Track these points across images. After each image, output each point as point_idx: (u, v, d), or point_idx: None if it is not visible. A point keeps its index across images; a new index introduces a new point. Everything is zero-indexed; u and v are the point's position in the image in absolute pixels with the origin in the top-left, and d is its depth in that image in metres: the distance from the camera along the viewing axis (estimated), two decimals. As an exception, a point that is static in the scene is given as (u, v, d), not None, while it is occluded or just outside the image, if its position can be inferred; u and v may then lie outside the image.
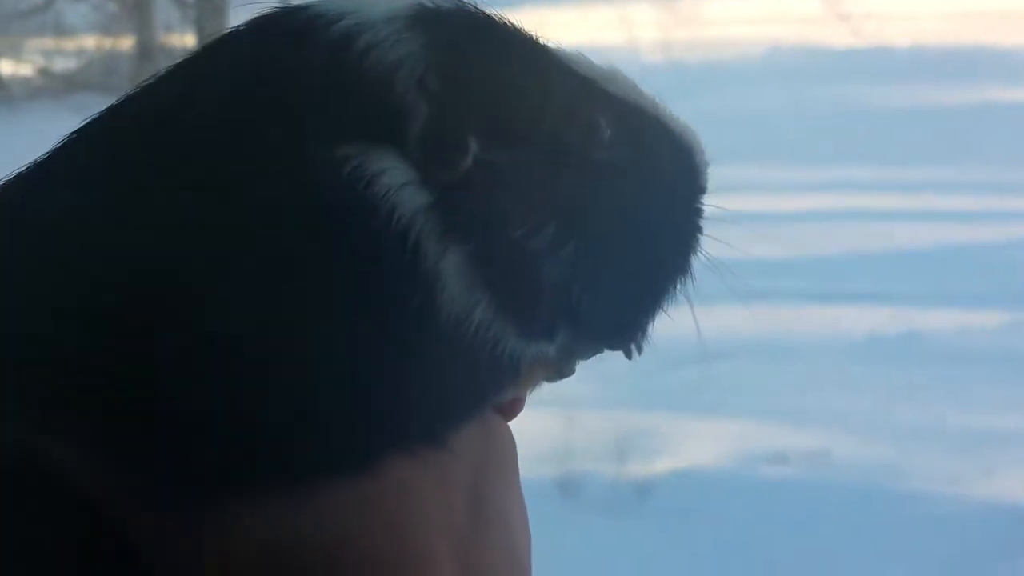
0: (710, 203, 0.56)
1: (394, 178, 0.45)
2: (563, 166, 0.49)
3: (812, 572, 2.86)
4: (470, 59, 0.48)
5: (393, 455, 0.44)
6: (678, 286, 0.55)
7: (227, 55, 0.49)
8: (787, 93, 7.73)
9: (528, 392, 0.54)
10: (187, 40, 7.93)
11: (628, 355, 0.57)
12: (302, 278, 0.43)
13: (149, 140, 0.46)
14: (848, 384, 4.33)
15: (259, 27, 0.50)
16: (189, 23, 7.90)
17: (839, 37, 8.41)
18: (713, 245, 0.56)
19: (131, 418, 0.42)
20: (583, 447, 3.45)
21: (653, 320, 0.55)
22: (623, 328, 0.54)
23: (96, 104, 0.50)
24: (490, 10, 0.51)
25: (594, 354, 0.56)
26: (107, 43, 8.36)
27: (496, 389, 0.49)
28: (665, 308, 0.55)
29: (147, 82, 0.49)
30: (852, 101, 7.51)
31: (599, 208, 0.50)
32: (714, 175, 0.55)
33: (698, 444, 3.58)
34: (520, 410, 0.52)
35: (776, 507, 3.24)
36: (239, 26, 0.51)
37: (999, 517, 3.00)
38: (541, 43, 0.53)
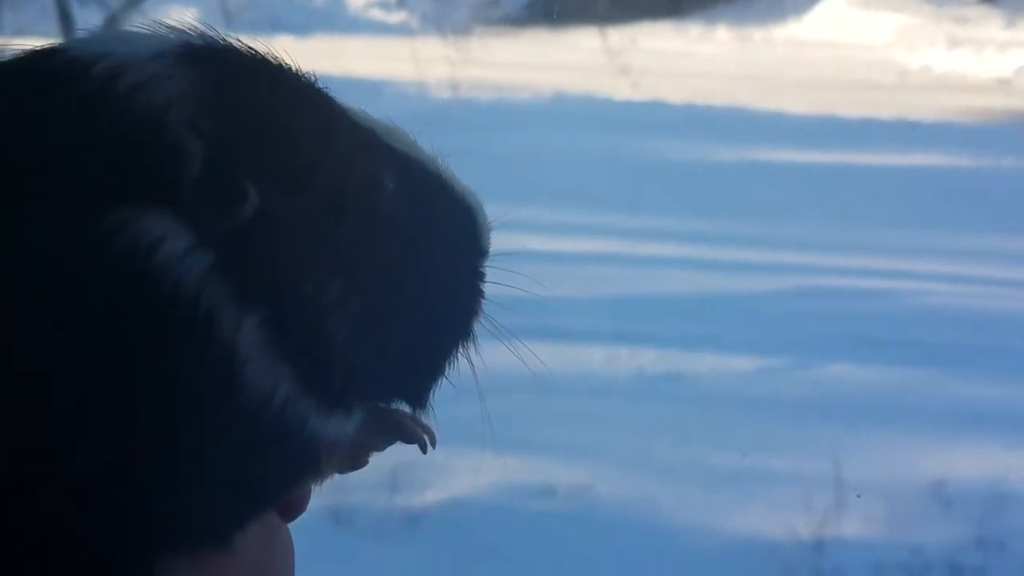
0: (492, 264, 0.54)
1: (174, 245, 0.39)
2: (345, 217, 0.45)
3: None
4: (247, 99, 0.43)
5: (173, 556, 0.40)
6: (460, 349, 0.53)
7: None
8: (569, 138, 7.99)
9: (319, 485, 0.51)
10: None
11: (423, 449, 0.56)
12: (86, 364, 0.38)
13: None
14: (615, 420, 4.50)
15: (3, 76, 0.43)
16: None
17: (620, 89, 8.77)
18: (494, 280, 0.55)
19: None
20: (355, 477, 3.45)
21: (436, 383, 0.53)
22: (406, 390, 0.52)
23: None
24: (265, 50, 0.47)
25: (387, 444, 0.54)
26: None
27: (295, 480, 0.46)
28: (447, 370, 0.53)
29: None
30: (628, 151, 7.83)
31: (381, 264, 0.47)
32: (495, 212, 0.57)
33: (469, 477, 3.63)
34: (302, 510, 0.49)
35: (541, 538, 3.33)
36: None
37: (752, 551, 3.18)
38: (320, 88, 0.49)
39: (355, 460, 0.54)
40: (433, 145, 0.53)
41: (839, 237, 7.67)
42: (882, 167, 7.90)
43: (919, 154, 7.99)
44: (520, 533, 3.36)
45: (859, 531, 3.30)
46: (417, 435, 0.56)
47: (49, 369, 0.37)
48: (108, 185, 0.39)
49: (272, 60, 0.47)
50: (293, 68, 0.48)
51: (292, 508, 0.48)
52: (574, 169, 7.46)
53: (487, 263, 0.54)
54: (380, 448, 0.56)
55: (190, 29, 0.46)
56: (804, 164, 7.97)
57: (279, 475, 0.45)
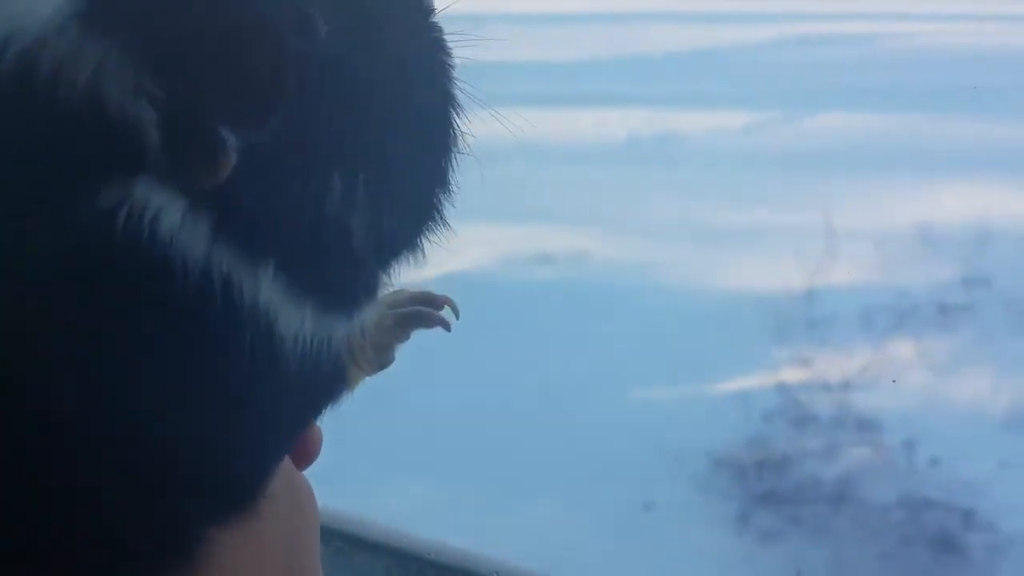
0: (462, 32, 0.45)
1: (171, 216, 0.37)
2: (325, 108, 0.40)
3: (577, 359, 3.05)
4: (180, 38, 0.37)
5: (210, 528, 0.39)
6: (454, 162, 0.47)
7: None
8: None
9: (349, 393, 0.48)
10: None
11: (447, 327, 0.52)
12: (115, 359, 0.36)
13: None
14: (609, 185, 4.52)
15: None
16: None
17: None
18: (477, 48, 0.50)
19: None
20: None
21: (446, 206, 0.47)
22: (424, 231, 0.46)
23: None
24: None
25: (407, 336, 0.51)
26: None
27: (327, 400, 0.44)
28: (452, 187, 0.47)
29: None
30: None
31: (364, 129, 0.42)
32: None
33: (465, 249, 3.68)
34: (316, 455, 0.47)
35: (541, 306, 3.41)
36: None
37: (746, 305, 3.26)
38: None
39: (381, 361, 0.51)
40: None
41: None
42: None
43: None
44: (519, 302, 3.45)
45: (848, 278, 3.38)
46: (436, 318, 0.52)
47: (84, 357, 0.36)
48: (84, 159, 0.36)
49: None
50: None
51: (306, 454, 0.46)
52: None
53: (440, 28, 0.46)
54: (402, 340, 0.52)
55: None
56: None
57: (313, 401, 0.44)
